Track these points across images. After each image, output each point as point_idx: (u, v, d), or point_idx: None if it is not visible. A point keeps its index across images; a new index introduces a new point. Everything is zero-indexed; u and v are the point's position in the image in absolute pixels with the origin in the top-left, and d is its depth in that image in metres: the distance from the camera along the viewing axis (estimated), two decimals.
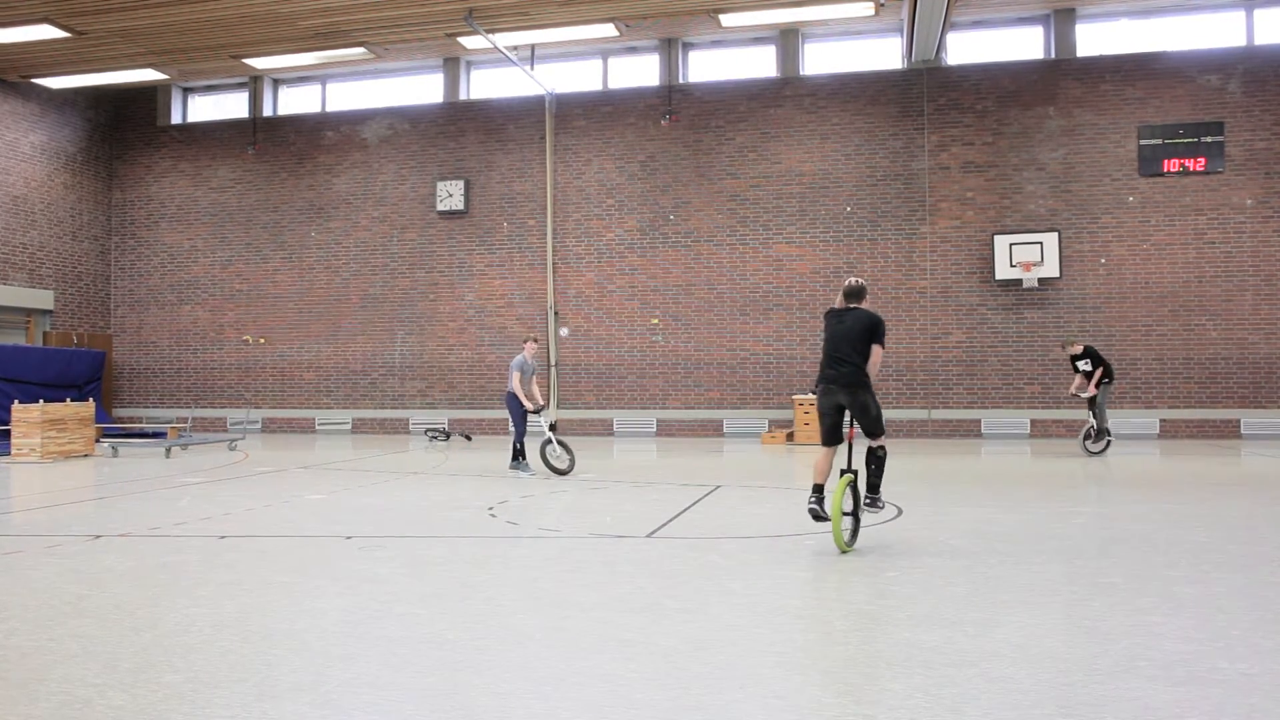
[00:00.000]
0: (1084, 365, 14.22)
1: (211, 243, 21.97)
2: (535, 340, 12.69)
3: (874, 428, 7.24)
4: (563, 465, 12.01)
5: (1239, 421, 17.24)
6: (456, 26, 17.57)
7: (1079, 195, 17.95)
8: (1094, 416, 14.21)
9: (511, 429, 12.37)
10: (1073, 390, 14.47)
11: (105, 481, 11.93)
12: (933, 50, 17.54)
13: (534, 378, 12.61)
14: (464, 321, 20.50)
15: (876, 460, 7.30)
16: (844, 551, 6.93)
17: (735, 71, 19.89)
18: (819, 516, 7.01)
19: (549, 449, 12.00)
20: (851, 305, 7.38)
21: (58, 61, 18.94)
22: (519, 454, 12.24)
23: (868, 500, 7.30)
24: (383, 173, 21.06)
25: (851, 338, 7.16)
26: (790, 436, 17.87)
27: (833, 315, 7.41)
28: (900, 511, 8.79)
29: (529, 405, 12.13)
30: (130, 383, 22.29)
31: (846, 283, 7.46)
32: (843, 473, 7.05)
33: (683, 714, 3.78)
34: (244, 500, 10.05)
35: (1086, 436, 14.38)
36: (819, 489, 7.12)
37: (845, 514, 7.06)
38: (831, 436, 7.25)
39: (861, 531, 7.50)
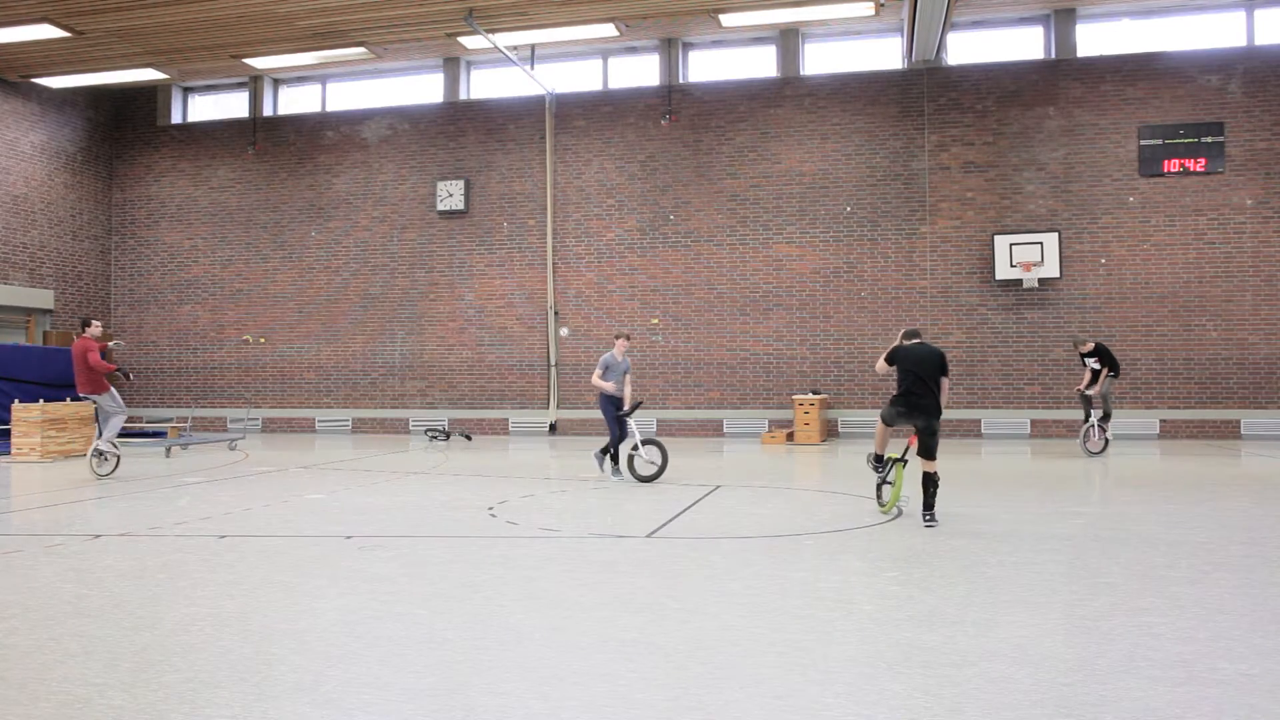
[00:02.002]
0: (1093, 363, 14.42)
1: (211, 242, 21.97)
2: (627, 337, 11.83)
3: (935, 451, 8.29)
4: (648, 472, 11.16)
5: (1239, 422, 17.23)
6: (456, 26, 17.57)
7: (1079, 195, 17.95)
8: (1090, 414, 14.35)
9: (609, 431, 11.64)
10: (1082, 387, 14.62)
11: (105, 481, 11.93)
12: (933, 50, 17.53)
13: (627, 377, 11.65)
14: (464, 321, 20.50)
15: (934, 484, 8.22)
16: (884, 511, 8.64)
17: (735, 71, 19.89)
18: (879, 469, 8.78)
19: (636, 457, 11.26)
20: (914, 340, 8.57)
21: (57, 61, 18.94)
22: (613, 458, 11.64)
23: (927, 518, 8.16)
24: (383, 173, 21.06)
25: (932, 367, 8.32)
26: (790, 436, 17.86)
27: (906, 346, 8.49)
28: (900, 512, 8.79)
29: (612, 390, 11.37)
30: (130, 382, 22.27)
31: (906, 330, 8.74)
32: (897, 461, 8.63)
33: (683, 714, 3.78)
34: (244, 500, 10.05)
35: (1086, 437, 14.46)
36: (879, 457, 8.74)
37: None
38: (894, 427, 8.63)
39: (860, 531, 7.70)
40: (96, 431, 12.60)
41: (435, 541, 7.62)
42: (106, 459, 12.29)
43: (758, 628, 4.99)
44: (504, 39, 17.96)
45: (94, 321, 12.66)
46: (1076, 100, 18.01)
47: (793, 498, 10.10)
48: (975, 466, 13.44)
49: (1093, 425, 14.31)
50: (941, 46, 17.93)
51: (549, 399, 19.92)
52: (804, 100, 19.09)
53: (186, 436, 17.44)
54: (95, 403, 12.42)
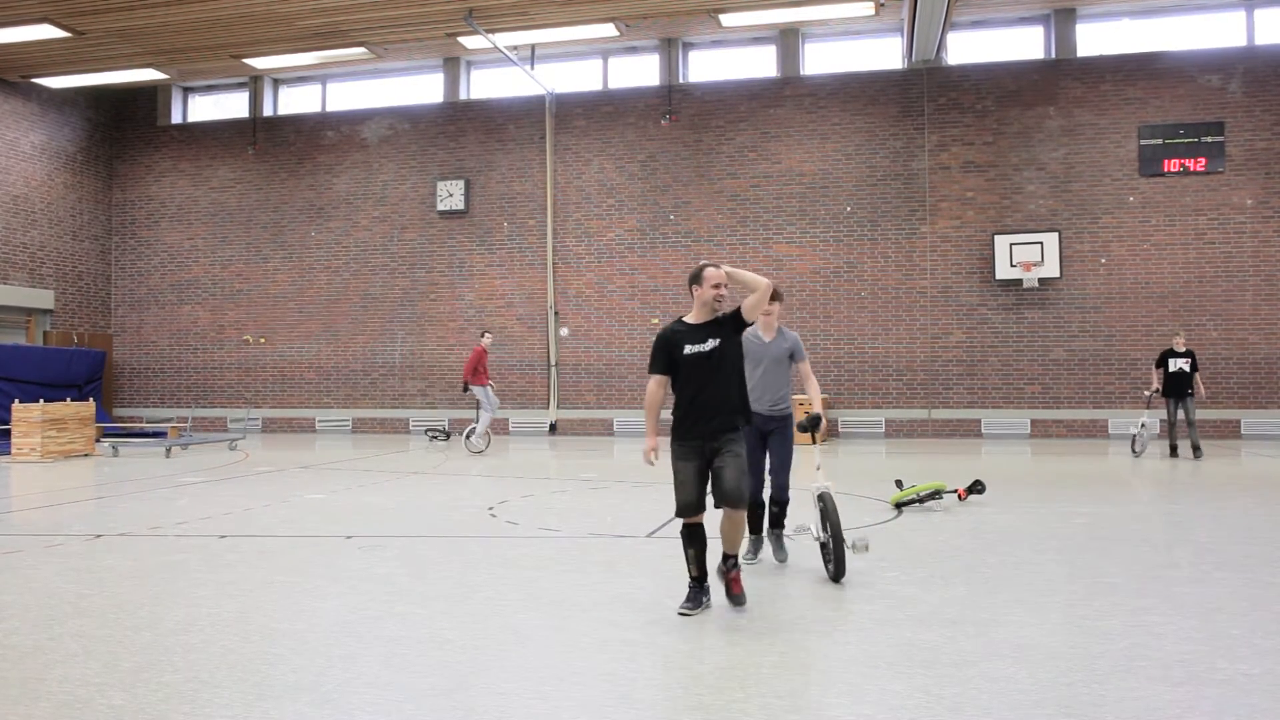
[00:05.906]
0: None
1: (211, 242, 21.96)
2: (779, 298, 6.85)
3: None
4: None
5: (1239, 421, 17.23)
6: (456, 26, 17.56)
7: (1079, 195, 17.95)
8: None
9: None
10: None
11: (105, 481, 11.93)
12: (933, 50, 17.53)
13: (802, 365, 7.05)
14: (464, 321, 20.49)
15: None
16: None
17: (735, 71, 19.88)
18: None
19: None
20: None
21: (57, 61, 18.93)
22: (751, 520, 7.06)
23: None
24: (383, 173, 21.05)
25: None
26: None
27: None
28: (900, 512, 8.79)
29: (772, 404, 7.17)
30: (130, 382, 22.29)
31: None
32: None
33: (683, 714, 3.78)
34: (244, 500, 10.05)
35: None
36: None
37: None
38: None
39: (861, 532, 7.66)
40: (475, 418, 16.03)
41: (435, 541, 7.62)
42: (478, 443, 15.55)
43: (758, 628, 4.99)
44: (504, 39, 17.95)
45: (488, 334, 16.05)
46: (1076, 100, 18.01)
47: (792, 497, 10.08)
48: (975, 466, 13.43)
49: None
50: (941, 46, 17.92)
51: (549, 399, 19.92)
52: (804, 100, 19.08)
53: (187, 436, 17.43)
54: (476, 395, 15.50)
